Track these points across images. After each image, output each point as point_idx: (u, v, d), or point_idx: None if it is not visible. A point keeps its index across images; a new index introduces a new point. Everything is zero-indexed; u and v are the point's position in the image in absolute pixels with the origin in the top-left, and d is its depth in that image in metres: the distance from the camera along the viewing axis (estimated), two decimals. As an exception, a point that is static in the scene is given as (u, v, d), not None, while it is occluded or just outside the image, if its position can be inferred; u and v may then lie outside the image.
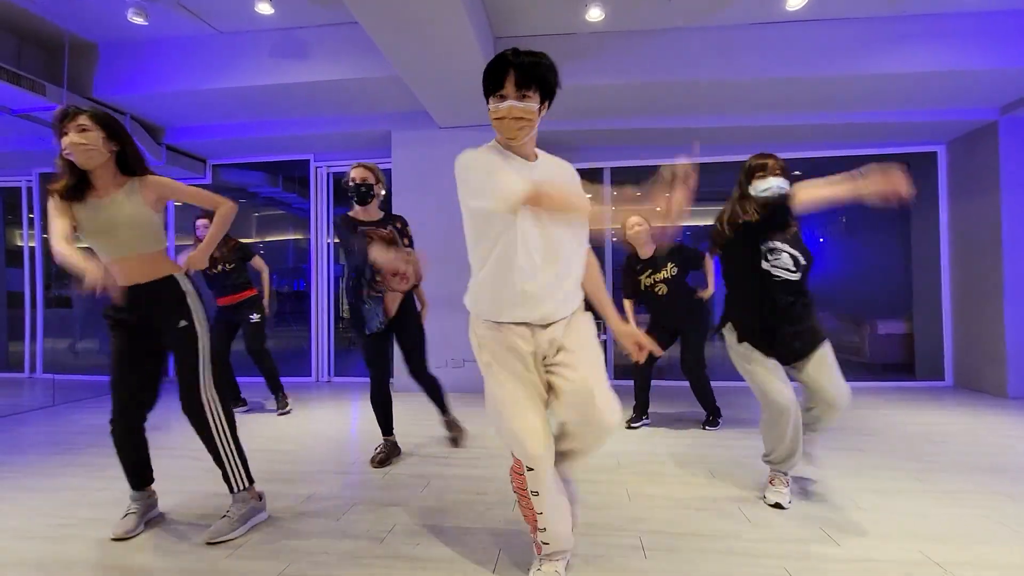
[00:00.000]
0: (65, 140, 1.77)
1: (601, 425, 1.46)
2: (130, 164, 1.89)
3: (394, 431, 2.86)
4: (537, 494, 1.48)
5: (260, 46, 4.22)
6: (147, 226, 1.87)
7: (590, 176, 5.60)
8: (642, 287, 3.30)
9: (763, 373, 2.09)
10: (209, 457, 1.91)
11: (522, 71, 1.39)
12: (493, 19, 3.89)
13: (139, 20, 3.77)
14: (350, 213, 2.72)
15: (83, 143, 1.77)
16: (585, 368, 1.47)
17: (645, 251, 3.31)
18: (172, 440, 3.20)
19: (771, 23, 3.86)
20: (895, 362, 5.49)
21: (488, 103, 1.45)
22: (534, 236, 1.42)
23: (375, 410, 2.81)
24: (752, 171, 2.13)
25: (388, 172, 5.16)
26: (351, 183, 2.68)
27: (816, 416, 2.20)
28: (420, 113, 4.83)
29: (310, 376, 5.71)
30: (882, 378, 5.25)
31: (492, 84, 1.42)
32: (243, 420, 3.72)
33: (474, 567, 1.65)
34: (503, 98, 1.40)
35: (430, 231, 4.88)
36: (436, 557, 1.72)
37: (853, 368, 5.78)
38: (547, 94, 1.45)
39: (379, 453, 2.72)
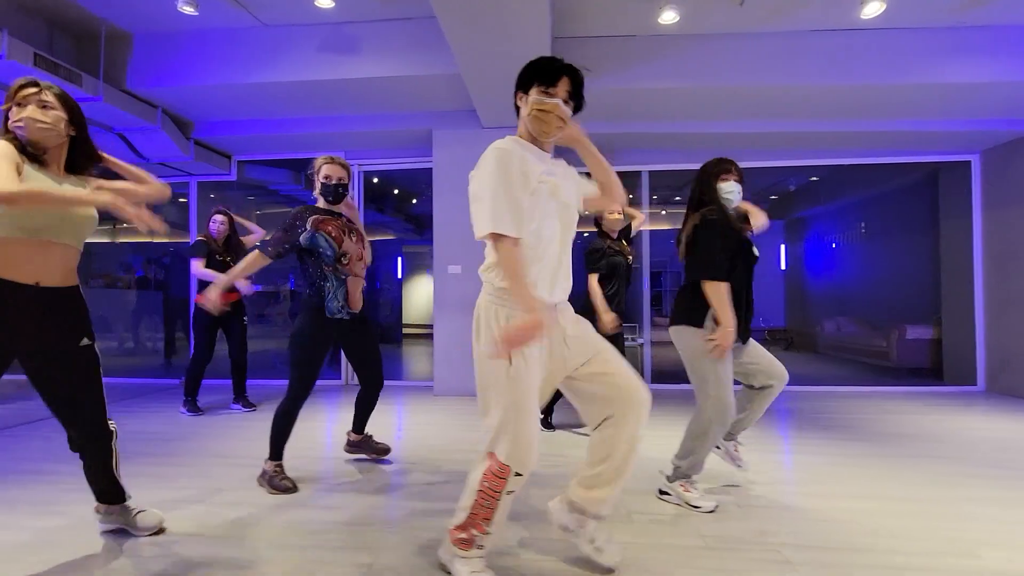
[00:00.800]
0: (20, 112, 1.54)
1: (645, 402, 1.58)
2: (80, 158, 1.69)
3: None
4: (511, 493, 1.49)
5: (308, 41, 4.09)
6: (91, 222, 1.65)
7: (628, 179, 5.59)
8: (609, 259, 3.42)
9: (730, 371, 2.14)
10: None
11: (577, 84, 1.51)
12: (555, 18, 3.84)
13: (189, 10, 3.62)
14: (317, 205, 2.52)
15: (42, 120, 1.55)
16: (617, 363, 1.62)
17: (614, 235, 3.51)
18: (230, 448, 3.08)
19: (838, 30, 3.88)
20: (922, 367, 5.59)
21: (528, 92, 1.51)
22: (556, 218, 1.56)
23: (281, 427, 2.39)
24: (718, 173, 2.22)
25: (428, 171, 5.07)
26: (326, 181, 2.48)
27: (764, 397, 2.30)
28: (463, 112, 4.75)
29: (339, 378, 5.58)
30: (910, 383, 5.34)
31: (543, 78, 1.49)
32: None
33: (630, 585, 1.60)
34: (551, 95, 1.48)
35: (471, 233, 4.80)
36: (563, 569, 1.66)
37: (879, 373, 5.88)
38: (576, 110, 1.56)
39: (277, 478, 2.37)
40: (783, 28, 3.87)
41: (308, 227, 2.40)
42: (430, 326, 5.14)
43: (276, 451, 2.42)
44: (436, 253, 4.90)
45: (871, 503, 2.25)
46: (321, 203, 2.53)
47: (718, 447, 2.43)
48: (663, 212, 8.12)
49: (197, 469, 2.72)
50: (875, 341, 6.10)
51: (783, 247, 8.90)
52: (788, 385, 2.37)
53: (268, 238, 2.46)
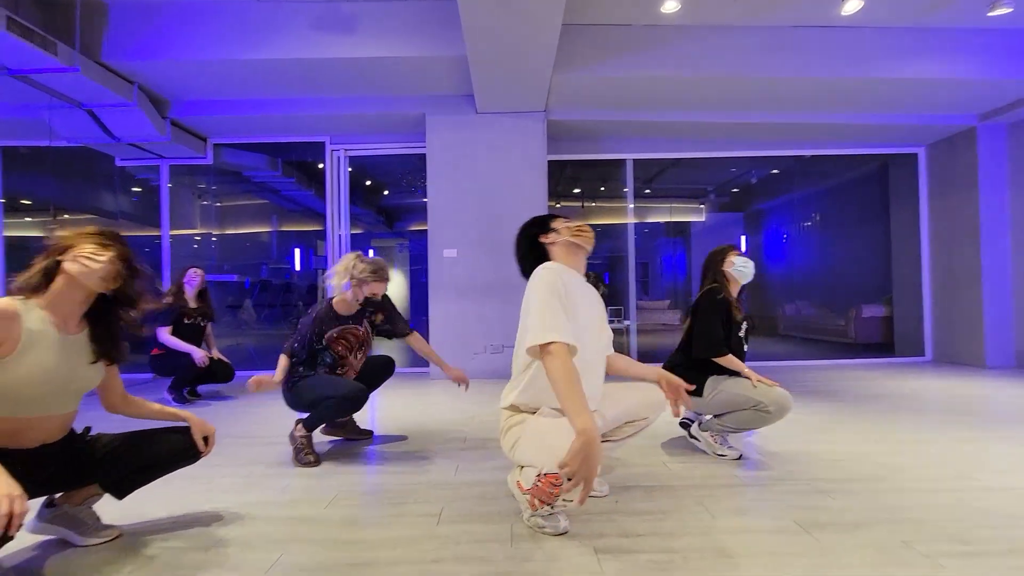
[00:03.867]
0: (97, 256, 1.39)
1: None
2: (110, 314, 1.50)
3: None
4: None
5: (302, 17, 4.00)
6: (92, 384, 1.52)
7: (613, 167, 5.79)
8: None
9: (742, 384, 2.33)
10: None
11: None
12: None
13: (181, -21, 3.47)
14: (334, 304, 2.56)
15: (103, 265, 1.40)
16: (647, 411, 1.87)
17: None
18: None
19: (814, 27, 4.20)
20: (877, 342, 6.12)
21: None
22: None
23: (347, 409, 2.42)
24: (727, 251, 2.48)
25: (422, 157, 5.06)
26: (372, 296, 2.59)
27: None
28: (456, 97, 4.78)
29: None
30: (866, 356, 5.83)
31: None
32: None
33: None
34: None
35: (466, 217, 4.84)
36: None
37: (839, 349, 6.38)
38: None
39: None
40: (769, 23, 4.15)
41: (324, 343, 2.51)
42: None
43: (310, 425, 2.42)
44: (431, 238, 4.91)
45: (872, 446, 2.50)
46: (347, 296, 2.56)
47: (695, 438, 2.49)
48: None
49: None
50: (834, 321, 6.60)
51: (743, 237, 9.43)
52: (760, 362, 2.51)
53: (290, 339, 2.50)
